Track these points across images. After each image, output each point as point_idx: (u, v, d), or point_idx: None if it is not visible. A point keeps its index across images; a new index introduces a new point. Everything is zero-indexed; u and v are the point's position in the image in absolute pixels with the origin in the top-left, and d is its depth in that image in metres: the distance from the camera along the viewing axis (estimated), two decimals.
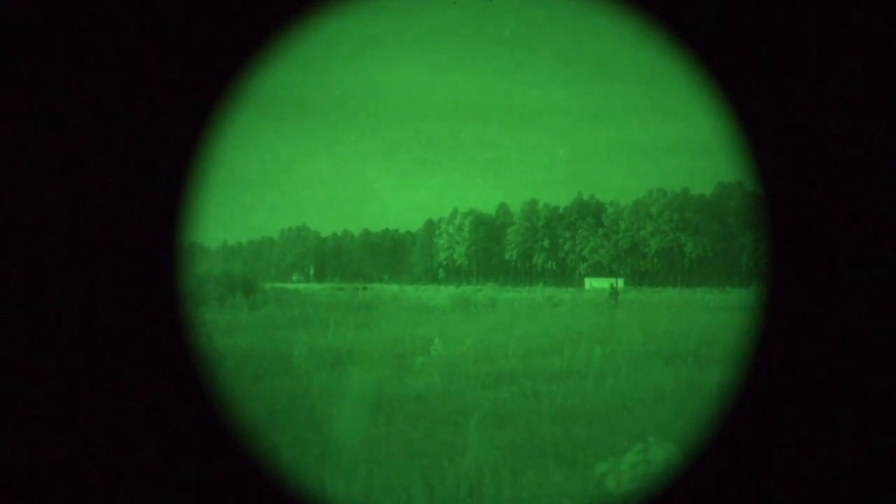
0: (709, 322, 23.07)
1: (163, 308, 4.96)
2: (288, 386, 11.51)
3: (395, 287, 68.78)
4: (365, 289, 56.75)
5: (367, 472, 6.73)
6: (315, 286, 74.70)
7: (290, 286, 64.96)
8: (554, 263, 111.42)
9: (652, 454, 5.26)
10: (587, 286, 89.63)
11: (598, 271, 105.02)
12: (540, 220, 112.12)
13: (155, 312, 4.94)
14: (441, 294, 41.98)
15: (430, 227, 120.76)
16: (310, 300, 34.91)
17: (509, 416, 9.30)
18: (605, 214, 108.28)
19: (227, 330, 19.39)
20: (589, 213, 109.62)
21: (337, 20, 5.70)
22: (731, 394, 5.10)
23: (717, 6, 4.95)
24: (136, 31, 4.83)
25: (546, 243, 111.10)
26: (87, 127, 4.81)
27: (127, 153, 4.85)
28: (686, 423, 8.37)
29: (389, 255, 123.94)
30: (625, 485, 5.26)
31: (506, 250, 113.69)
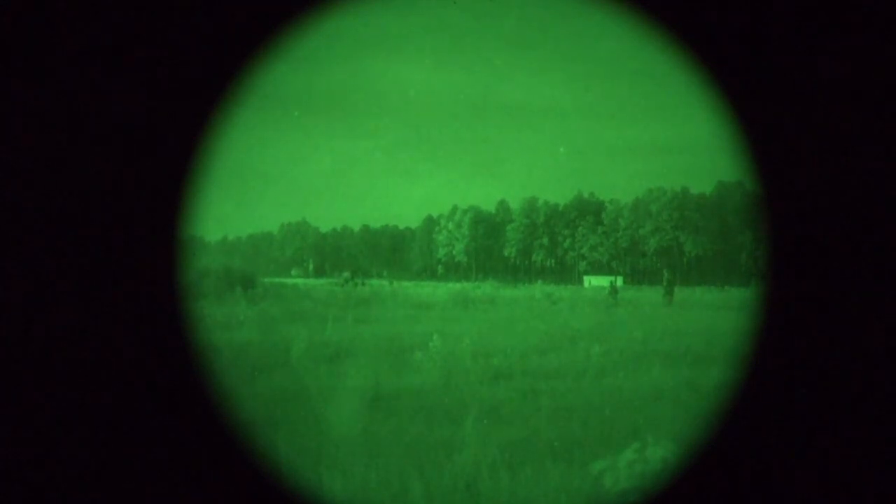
0: (708, 321, 23.05)
1: (162, 302, 4.96)
2: (286, 381, 11.50)
3: (393, 283, 68.67)
4: (364, 284, 56.52)
5: (365, 467, 6.73)
6: (314, 281, 74.55)
7: (288, 281, 64.84)
8: (553, 261, 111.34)
9: (649, 452, 5.26)
10: (586, 284, 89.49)
11: (597, 269, 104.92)
12: (539, 218, 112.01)
13: (154, 306, 4.94)
14: (440, 290, 41.91)
15: (430, 223, 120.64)
16: (308, 295, 34.89)
17: (507, 414, 9.30)
18: (605, 212, 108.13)
19: (225, 324, 19.36)
20: (589, 211, 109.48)
21: (337, 18, 5.70)
22: (730, 392, 5.11)
23: (717, 6, 4.94)
24: (137, 27, 4.82)
25: (545, 241, 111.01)
26: (88, 122, 4.81)
27: (128, 148, 4.85)
28: (684, 422, 8.37)
29: (389, 251, 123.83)
30: (622, 482, 5.27)
31: (505, 247, 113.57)
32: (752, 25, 4.91)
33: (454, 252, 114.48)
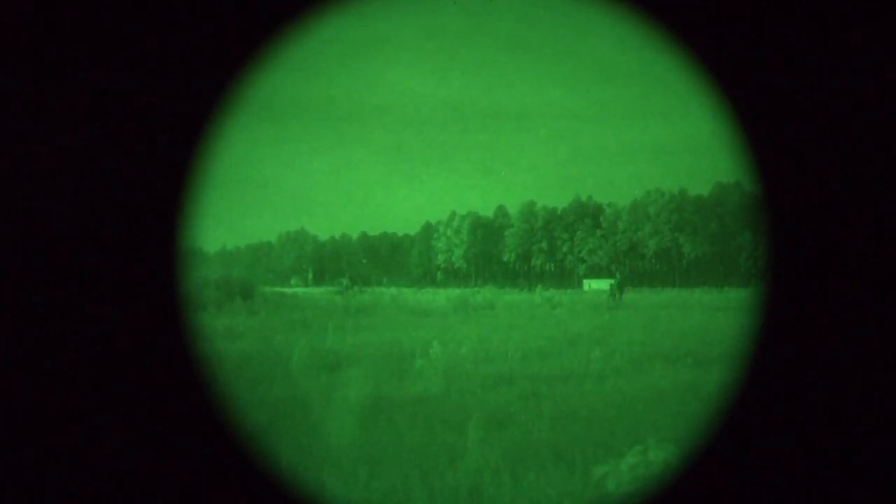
0: (707, 322, 23.06)
1: (162, 312, 4.95)
2: (287, 390, 11.49)
3: (393, 290, 68.68)
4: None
5: (367, 474, 6.73)
6: (313, 290, 74.54)
7: (288, 290, 64.81)
8: (552, 265, 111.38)
9: (651, 455, 5.26)
10: (586, 287, 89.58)
11: (596, 272, 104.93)
12: (538, 222, 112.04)
13: (154, 316, 4.94)
14: (440, 296, 41.90)
15: (429, 229, 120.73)
16: (308, 304, 34.90)
17: (509, 418, 9.29)
18: (604, 215, 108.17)
19: (225, 334, 19.35)
20: (587, 214, 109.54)
21: (335, 22, 5.71)
22: (731, 394, 5.10)
23: (716, 7, 4.95)
24: (135, 33, 4.83)
25: (544, 245, 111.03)
26: (86, 131, 4.81)
27: (126, 157, 4.85)
28: (685, 424, 8.36)
29: (387, 258, 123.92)
30: (625, 486, 5.26)
31: (504, 252, 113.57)
32: (750, 25, 4.91)
33: (453, 258, 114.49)
